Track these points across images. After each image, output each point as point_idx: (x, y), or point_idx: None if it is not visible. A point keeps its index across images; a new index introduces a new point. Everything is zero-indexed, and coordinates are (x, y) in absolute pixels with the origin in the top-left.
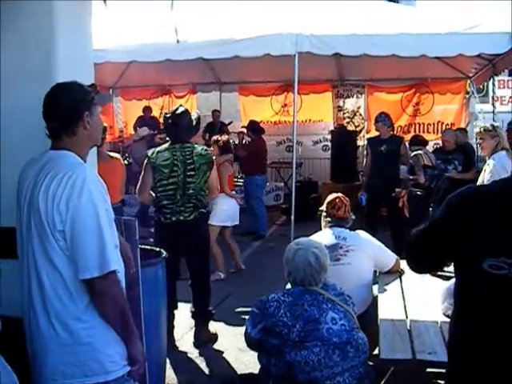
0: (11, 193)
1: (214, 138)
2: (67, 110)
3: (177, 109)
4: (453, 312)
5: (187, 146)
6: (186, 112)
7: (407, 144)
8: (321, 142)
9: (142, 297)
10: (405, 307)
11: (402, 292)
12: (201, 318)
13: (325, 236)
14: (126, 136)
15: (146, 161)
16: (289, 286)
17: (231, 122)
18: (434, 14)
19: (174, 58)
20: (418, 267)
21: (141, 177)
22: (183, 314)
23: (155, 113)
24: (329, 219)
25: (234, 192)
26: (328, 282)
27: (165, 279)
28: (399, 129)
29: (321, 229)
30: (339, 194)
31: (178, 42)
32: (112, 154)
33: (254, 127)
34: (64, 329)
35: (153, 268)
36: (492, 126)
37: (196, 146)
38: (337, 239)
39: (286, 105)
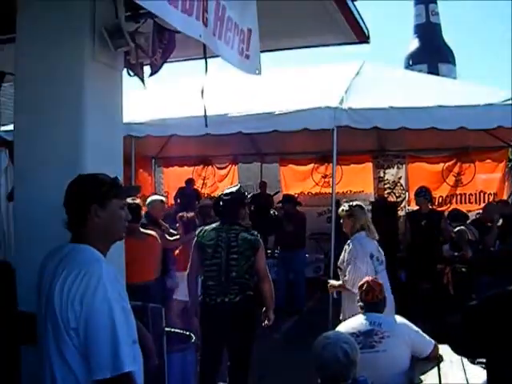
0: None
1: (180, 214)
2: (74, 202)
3: (229, 188)
4: None
5: (234, 228)
6: (237, 192)
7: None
8: None
9: None
10: None
11: (440, 381)
12: None
13: (359, 322)
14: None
15: (195, 239)
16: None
17: (277, 193)
18: (472, 84)
19: (214, 132)
20: (464, 354)
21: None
22: None
23: (197, 183)
24: (361, 304)
25: None
26: (358, 377)
27: (193, 364)
28: (440, 199)
29: None
30: (369, 278)
31: (206, 126)
32: (148, 231)
33: (291, 199)
34: None
35: (180, 354)
36: (349, 206)
37: (244, 229)
38: (371, 325)
39: (326, 175)
